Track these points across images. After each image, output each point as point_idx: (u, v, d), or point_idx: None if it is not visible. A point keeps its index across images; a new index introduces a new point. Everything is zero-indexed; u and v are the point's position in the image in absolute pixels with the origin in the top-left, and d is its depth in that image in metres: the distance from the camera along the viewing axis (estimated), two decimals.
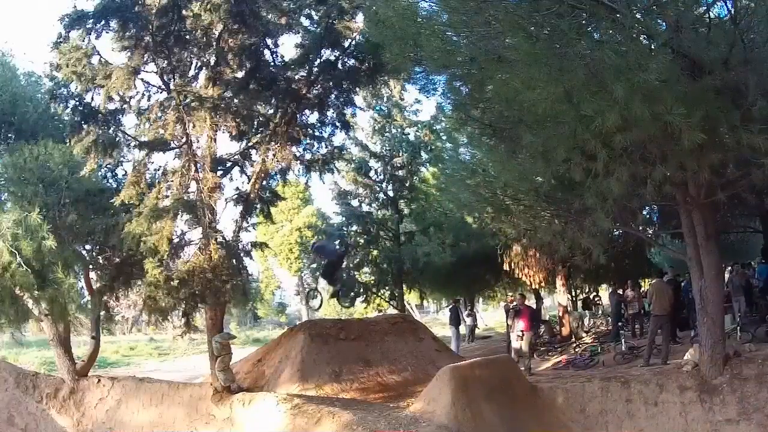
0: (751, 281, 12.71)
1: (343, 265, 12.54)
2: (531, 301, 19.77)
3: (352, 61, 9.99)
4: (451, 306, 15.96)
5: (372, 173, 19.46)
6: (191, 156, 8.86)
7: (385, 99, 19.19)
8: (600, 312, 19.04)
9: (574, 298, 19.32)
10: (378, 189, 19.46)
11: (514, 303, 12.40)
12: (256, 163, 9.82)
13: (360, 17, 9.33)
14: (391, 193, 19.39)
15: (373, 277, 19.88)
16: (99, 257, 10.87)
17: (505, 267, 15.05)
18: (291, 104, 9.66)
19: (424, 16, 6.12)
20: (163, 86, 9.22)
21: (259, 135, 9.87)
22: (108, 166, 10.26)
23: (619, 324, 13.99)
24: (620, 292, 14.74)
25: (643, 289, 15.68)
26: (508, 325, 11.34)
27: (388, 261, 18.71)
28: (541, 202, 7.72)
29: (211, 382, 9.07)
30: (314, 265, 12.77)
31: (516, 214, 8.53)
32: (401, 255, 18.33)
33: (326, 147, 10.62)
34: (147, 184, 9.07)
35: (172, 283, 8.19)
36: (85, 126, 8.91)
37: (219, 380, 8.77)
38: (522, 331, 11.22)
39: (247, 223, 9.92)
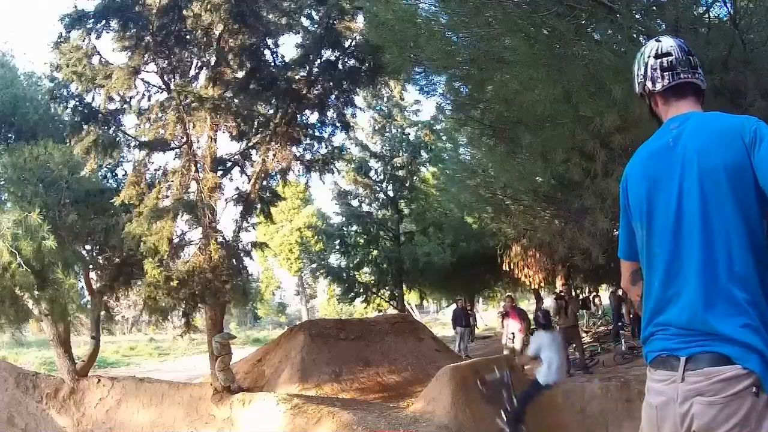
0: None
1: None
2: (531, 302, 19.84)
3: (352, 62, 10.00)
4: (455, 307, 15.84)
5: (372, 173, 19.49)
6: (191, 156, 8.87)
7: (385, 99, 19.23)
8: (600, 312, 19.05)
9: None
10: (378, 189, 19.48)
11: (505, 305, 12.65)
12: (256, 163, 9.83)
13: (360, 17, 9.36)
14: (391, 193, 19.41)
15: (373, 277, 19.90)
16: (99, 257, 10.87)
17: (505, 267, 15.05)
18: (291, 104, 9.68)
19: (424, 18, 6.13)
20: (163, 86, 9.23)
21: (259, 135, 9.88)
22: (108, 166, 10.28)
23: (619, 324, 14.00)
24: (620, 292, 14.74)
25: None
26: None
27: (388, 261, 18.73)
28: (541, 202, 7.72)
29: (211, 382, 9.08)
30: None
31: (516, 214, 8.55)
32: (401, 255, 18.34)
33: (326, 147, 10.63)
34: (147, 184, 9.08)
35: (172, 283, 8.19)
36: (85, 126, 8.92)
37: (219, 380, 8.78)
38: (512, 333, 11.43)
39: (247, 223, 9.94)
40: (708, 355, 1.49)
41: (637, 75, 1.81)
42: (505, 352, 11.30)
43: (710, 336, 1.50)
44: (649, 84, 1.76)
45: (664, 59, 1.74)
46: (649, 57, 1.77)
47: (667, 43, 1.75)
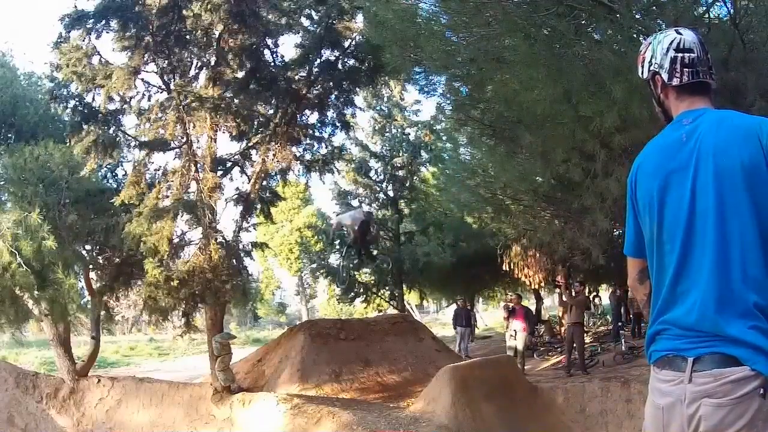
0: None
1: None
2: (531, 302, 19.83)
3: (352, 62, 10.00)
4: (458, 307, 15.75)
5: (372, 173, 19.47)
6: (191, 156, 8.87)
7: (385, 99, 19.21)
8: (600, 312, 19.05)
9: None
10: (378, 189, 19.46)
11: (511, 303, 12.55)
12: (256, 163, 9.83)
13: (360, 17, 9.36)
14: (391, 193, 19.39)
15: (373, 277, 19.90)
16: (99, 257, 10.87)
17: (505, 267, 15.04)
18: (291, 104, 9.67)
19: (424, 18, 6.13)
20: (163, 86, 9.23)
21: (259, 135, 9.88)
22: (108, 166, 10.27)
23: (619, 324, 14.00)
24: (619, 292, 14.75)
25: None
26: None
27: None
28: (541, 202, 7.73)
29: (211, 382, 9.08)
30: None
31: (516, 214, 8.55)
32: (401, 255, 18.34)
33: (326, 147, 10.64)
34: (147, 184, 9.08)
35: (172, 283, 8.19)
36: (85, 126, 8.92)
37: (219, 380, 8.78)
38: (515, 330, 11.40)
39: (247, 223, 9.93)
40: (716, 356, 1.48)
41: (650, 61, 1.76)
42: (509, 353, 11.27)
43: (718, 337, 1.49)
44: (664, 75, 1.72)
45: (686, 55, 1.70)
46: (669, 48, 1.72)
47: (690, 38, 1.71)
